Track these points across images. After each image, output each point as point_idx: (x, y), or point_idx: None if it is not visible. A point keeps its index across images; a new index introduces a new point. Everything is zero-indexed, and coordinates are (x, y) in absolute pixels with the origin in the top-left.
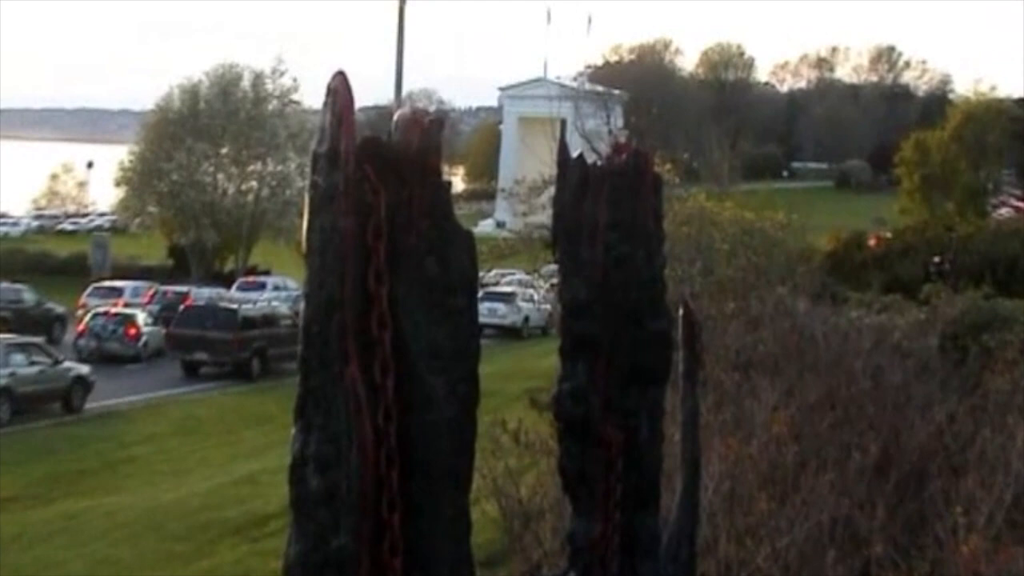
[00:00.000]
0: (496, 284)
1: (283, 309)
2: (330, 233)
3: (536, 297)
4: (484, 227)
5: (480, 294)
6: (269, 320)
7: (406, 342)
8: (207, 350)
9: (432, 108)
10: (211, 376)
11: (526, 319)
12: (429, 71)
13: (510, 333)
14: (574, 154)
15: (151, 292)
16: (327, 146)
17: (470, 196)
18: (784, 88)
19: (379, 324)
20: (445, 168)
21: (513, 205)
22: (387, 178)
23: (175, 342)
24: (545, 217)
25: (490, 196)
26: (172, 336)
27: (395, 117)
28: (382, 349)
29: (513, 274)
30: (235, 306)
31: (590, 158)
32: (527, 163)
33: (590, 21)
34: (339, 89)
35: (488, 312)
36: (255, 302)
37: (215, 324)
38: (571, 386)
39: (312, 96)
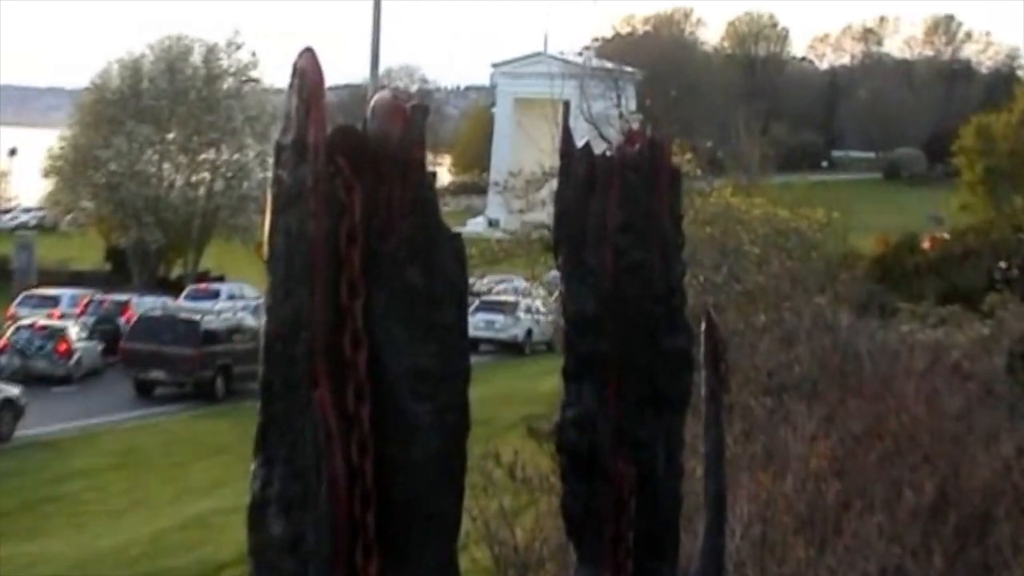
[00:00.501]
0: (489, 292)
1: (250, 321)
2: (296, 237)
3: (540, 307)
4: (474, 226)
5: (475, 304)
6: (235, 333)
7: (385, 363)
8: (164, 367)
9: (414, 88)
10: (168, 397)
11: (529, 332)
12: (410, 44)
13: (510, 349)
14: (579, 142)
15: (85, 301)
16: (293, 136)
17: (458, 190)
18: (824, 65)
19: (353, 342)
20: (429, 158)
21: (508, 201)
22: (363, 173)
23: (127, 358)
24: (545, 215)
25: (481, 190)
26: (124, 352)
27: (372, 102)
28: (356, 371)
29: (510, 281)
30: (196, 317)
31: (598, 147)
32: (524, 152)
33: None
34: (307, 69)
35: (484, 325)
36: (219, 313)
37: (174, 338)
38: (576, 413)
39: (274, 73)
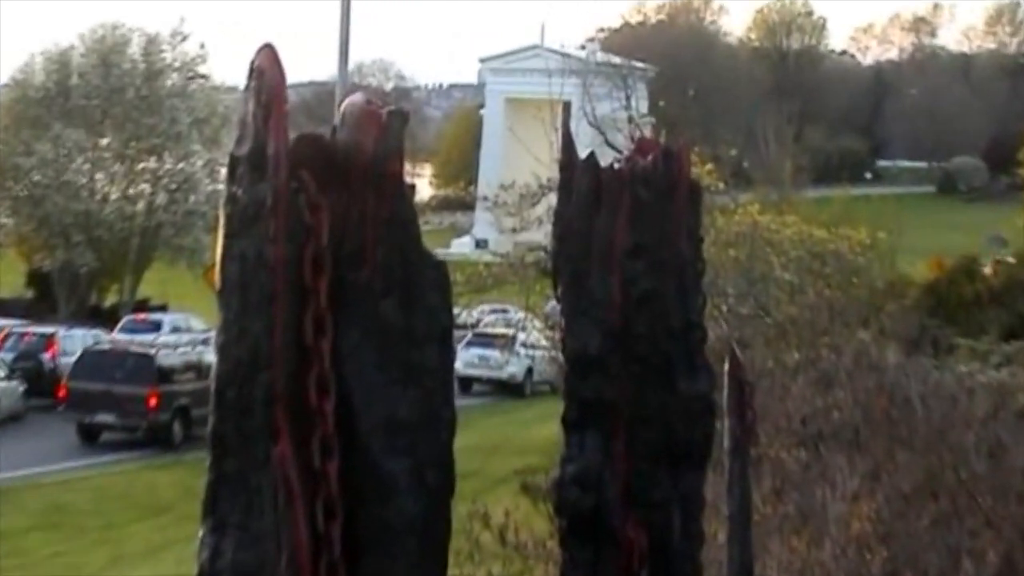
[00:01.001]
0: (477, 325)
1: (211, 356)
2: (253, 264)
3: (543, 340)
4: (459, 248)
5: (466, 337)
6: (195, 370)
7: (356, 412)
8: (114, 410)
9: (389, 86)
10: (116, 444)
11: (529, 371)
12: (385, 37)
13: (508, 389)
14: (582, 151)
15: (3, 335)
16: (249, 146)
17: (440, 206)
18: (868, 59)
19: (319, 388)
20: (407, 170)
21: (498, 218)
22: (331, 190)
23: (71, 399)
24: (542, 236)
25: (467, 206)
26: (67, 392)
27: (342, 106)
28: (323, 422)
29: (505, 311)
30: (151, 351)
31: (604, 157)
32: (517, 161)
33: None
34: (266, 68)
35: (479, 361)
36: (176, 346)
37: (125, 375)
38: (578, 467)
39: (226, 69)
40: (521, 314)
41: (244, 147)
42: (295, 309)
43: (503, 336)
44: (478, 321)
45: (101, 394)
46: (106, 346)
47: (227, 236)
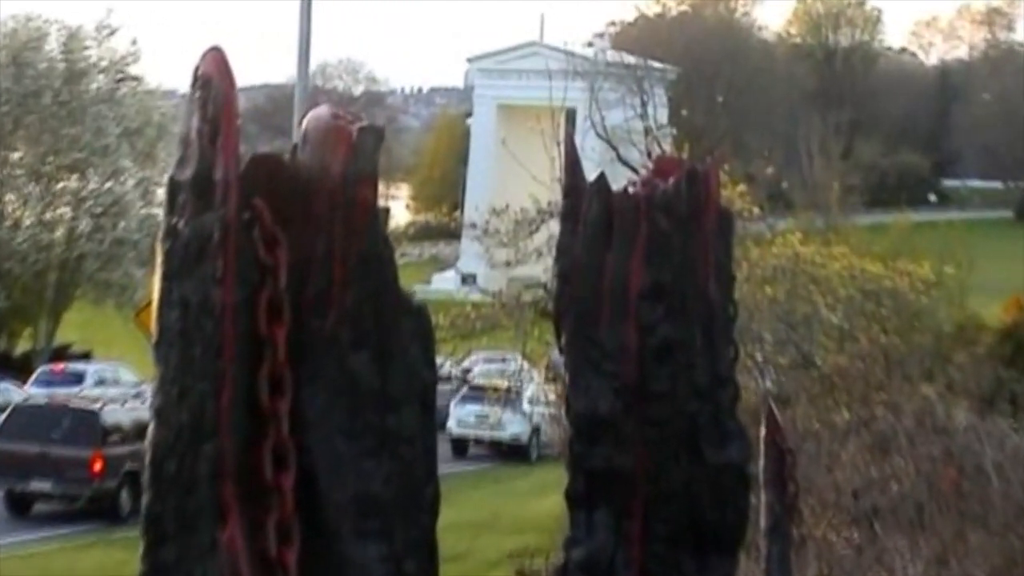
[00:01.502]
0: (465, 377)
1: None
2: (197, 311)
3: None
4: (442, 284)
5: (462, 391)
6: (146, 430)
7: (320, 489)
8: (51, 476)
9: (358, 90)
10: (51, 517)
11: (536, 431)
12: (354, 32)
13: (510, 453)
14: (590, 172)
15: None
16: (194, 169)
17: (419, 234)
18: (931, 59)
19: (276, 460)
20: (380, 192)
21: (489, 250)
22: (291, 222)
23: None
24: (542, 271)
25: (451, 234)
26: None
27: (305, 122)
28: (281, 501)
29: (503, 360)
30: (94, 407)
31: (616, 178)
32: (511, 181)
33: None
34: (213, 76)
35: (476, 420)
36: (123, 401)
37: (64, 435)
38: (585, 552)
39: (162, 69)
40: (523, 364)
41: (187, 170)
42: (247, 365)
43: (505, 390)
44: (466, 372)
45: (35, 457)
46: (41, 401)
47: (166, 277)
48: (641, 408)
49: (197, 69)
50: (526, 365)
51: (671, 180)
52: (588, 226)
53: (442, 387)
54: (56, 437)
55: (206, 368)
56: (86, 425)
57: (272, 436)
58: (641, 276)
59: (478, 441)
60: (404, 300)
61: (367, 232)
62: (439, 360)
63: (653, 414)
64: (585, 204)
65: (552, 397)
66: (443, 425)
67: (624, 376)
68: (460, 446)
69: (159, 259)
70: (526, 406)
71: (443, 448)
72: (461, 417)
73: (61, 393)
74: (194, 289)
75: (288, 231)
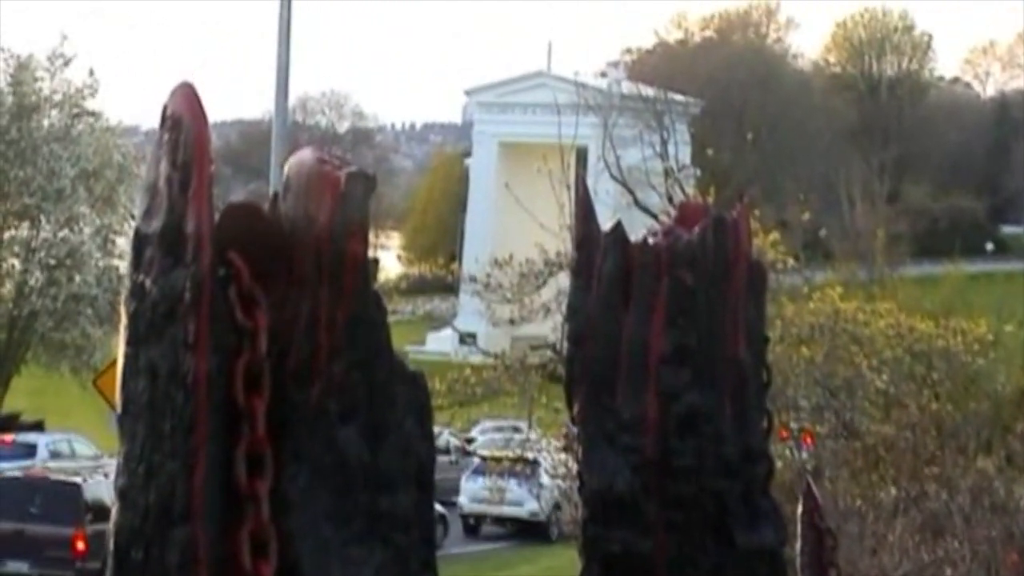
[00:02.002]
0: (467, 447)
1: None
2: (166, 380)
3: (573, 466)
4: (438, 344)
5: (474, 464)
6: None
7: None
8: (29, 556)
9: (344, 126)
10: None
11: (556, 507)
12: (339, 62)
13: (529, 531)
14: (604, 218)
15: None
16: (162, 221)
17: (412, 288)
18: (988, 90)
19: (255, 548)
20: (370, 242)
21: (491, 306)
22: (272, 280)
23: None
24: (550, 329)
25: (448, 288)
26: None
27: (287, 167)
28: None
29: (516, 429)
30: (76, 479)
31: (634, 226)
32: (515, 229)
33: None
34: (184, 115)
35: (489, 495)
36: (107, 472)
37: (44, 511)
38: None
39: (124, 105)
40: (533, 432)
41: (154, 221)
42: (223, 441)
43: (524, 462)
44: (469, 441)
45: (11, 536)
46: (17, 473)
47: (131, 341)
48: (663, 486)
49: (165, 108)
50: (536, 433)
51: (695, 229)
52: (603, 281)
53: (441, 459)
54: (34, 513)
55: (176, 444)
56: (67, 500)
57: (250, 521)
58: (663, 338)
59: (492, 519)
60: (398, 367)
61: (357, 292)
62: (437, 428)
63: (676, 493)
64: (599, 257)
65: (572, 469)
66: (453, 502)
67: (644, 450)
68: (472, 524)
69: (123, 321)
70: (544, 479)
71: (455, 527)
72: (473, 492)
73: (6, 468)
74: (163, 355)
75: (268, 290)
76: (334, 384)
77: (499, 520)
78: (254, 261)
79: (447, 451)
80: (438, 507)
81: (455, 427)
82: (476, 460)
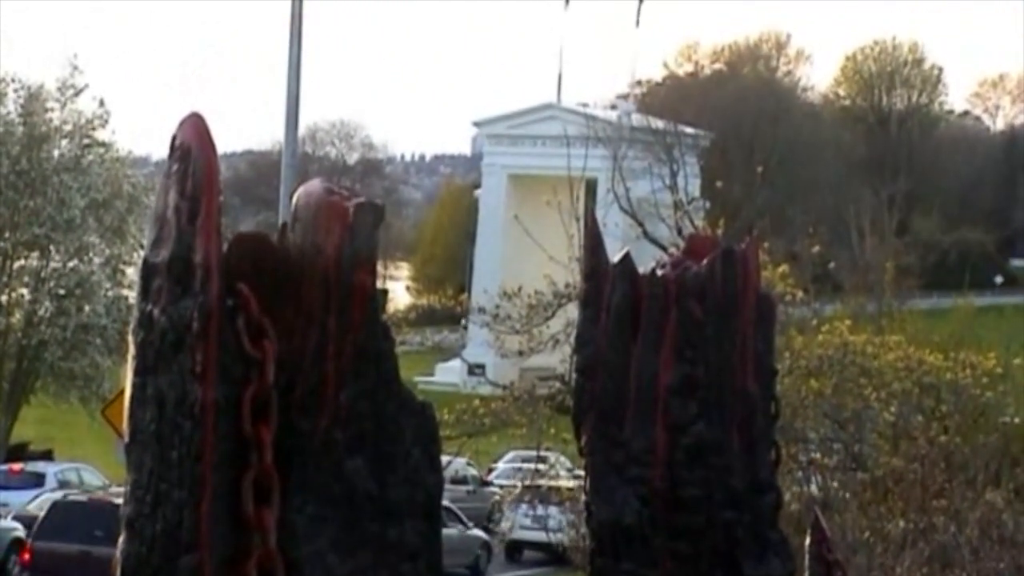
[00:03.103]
0: (477, 480)
1: None
2: (173, 409)
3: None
4: (446, 375)
5: (517, 490)
6: None
7: None
8: None
9: (353, 157)
10: None
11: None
12: (349, 92)
13: (571, 557)
14: (613, 250)
15: None
16: (170, 252)
17: (421, 319)
18: (998, 123)
19: None
20: (379, 273)
21: (500, 337)
22: (279, 310)
23: (37, 564)
24: (559, 360)
25: (457, 318)
26: (34, 555)
27: (295, 198)
28: None
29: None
30: None
31: (643, 258)
32: (524, 260)
33: None
34: (193, 146)
35: (532, 522)
36: None
37: (108, 533)
38: None
39: (135, 135)
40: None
41: (163, 251)
42: (230, 470)
43: (567, 490)
44: (489, 471)
45: (77, 558)
46: (81, 497)
47: (139, 371)
48: (671, 518)
49: (175, 139)
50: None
51: (704, 261)
52: (612, 313)
53: (458, 488)
54: (99, 536)
55: (184, 473)
56: None
57: (257, 550)
58: (671, 370)
59: (535, 545)
60: (406, 398)
61: (365, 322)
62: (463, 460)
63: (684, 524)
64: (608, 288)
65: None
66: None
67: (652, 481)
68: (514, 550)
69: (131, 351)
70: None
71: (497, 552)
72: (516, 519)
73: (16, 497)
74: (171, 385)
75: (276, 320)
76: (342, 414)
77: (540, 546)
78: (262, 291)
79: (465, 481)
80: (482, 534)
81: (473, 458)
82: (519, 487)
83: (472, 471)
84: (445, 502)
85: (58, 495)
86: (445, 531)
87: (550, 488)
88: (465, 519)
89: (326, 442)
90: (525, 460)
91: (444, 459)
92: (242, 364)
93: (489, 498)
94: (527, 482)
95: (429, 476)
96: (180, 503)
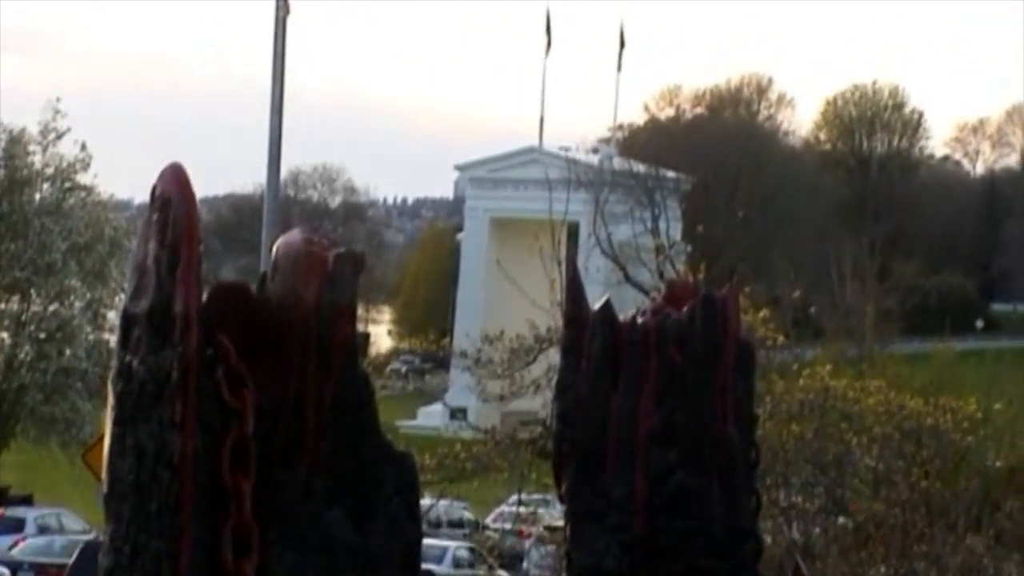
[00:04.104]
0: (473, 523)
1: None
2: (153, 460)
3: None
4: (428, 419)
5: (538, 530)
6: None
7: None
8: None
9: (336, 201)
10: None
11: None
12: (331, 136)
13: None
14: (594, 295)
15: None
16: (150, 302)
17: (403, 363)
18: (978, 168)
19: None
20: (360, 315)
21: (482, 381)
22: (259, 361)
23: None
24: (540, 405)
25: (439, 362)
26: None
27: (275, 248)
28: None
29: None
30: None
31: (624, 304)
32: (506, 304)
33: (623, 42)
34: (173, 196)
35: (553, 562)
36: None
37: None
38: None
39: (116, 179)
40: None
41: (142, 301)
42: (209, 520)
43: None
44: (481, 526)
45: None
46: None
47: (118, 421)
48: (652, 565)
49: (155, 188)
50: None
51: (685, 308)
52: (592, 360)
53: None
54: None
55: (163, 524)
56: None
57: None
58: (651, 417)
59: None
60: (385, 448)
61: (344, 372)
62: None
63: (665, 572)
64: (589, 335)
65: None
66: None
67: (632, 528)
68: None
69: (110, 400)
70: None
71: None
72: (537, 559)
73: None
74: (150, 435)
75: (256, 370)
76: (321, 464)
77: None
78: (241, 341)
79: (461, 525)
80: (504, 574)
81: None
82: (540, 528)
83: (468, 515)
84: (468, 545)
85: (89, 536)
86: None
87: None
88: (492, 561)
89: (305, 492)
90: (525, 504)
91: (427, 502)
92: (221, 414)
93: (487, 541)
94: (527, 526)
95: (408, 526)
96: (159, 554)
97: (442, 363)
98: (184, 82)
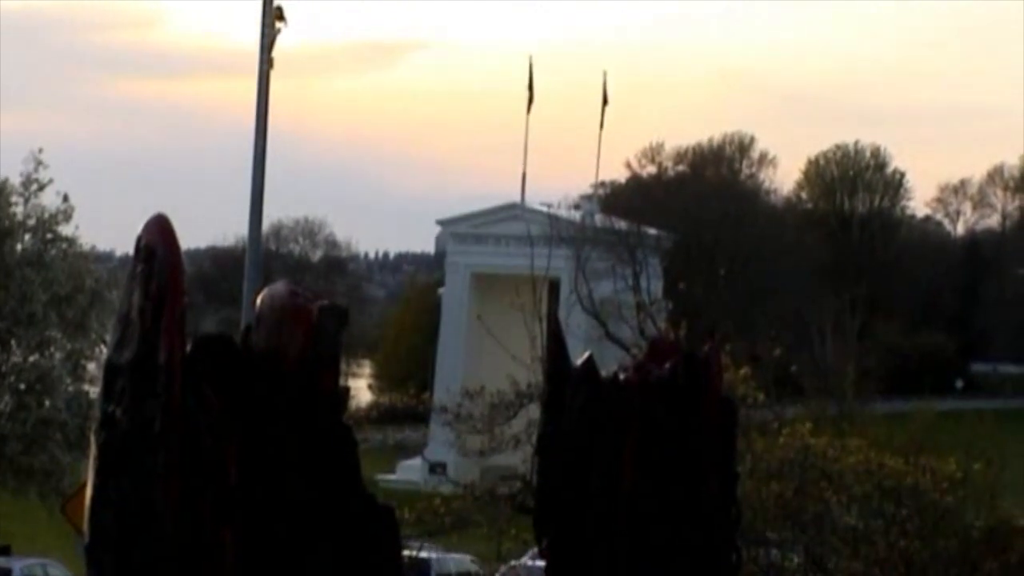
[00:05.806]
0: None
1: None
2: (136, 511)
3: None
4: (407, 473)
5: None
6: None
7: None
8: None
9: (317, 255)
10: None
11: None
12: (313, 190)
13: None
14: (575, 351)
15: None
16: (134, 352)
17: (383, 417)
18: (959, 229)
19: None
20: (341, 371)
21: (461, 436)
22: (243, 412)
23: None
24: (520, 460)
25: (418, 417)
26: None
27: (259, 300)
28: None
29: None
30: None
31: (606, 362)
32: (487, 360)
33: (606, 99)
34: (157, 248)
35: None
36: None
37: None
38: None
39: (98, 230)
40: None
41: (126, 352)
42: (192, 572)
43: None
44: None
45: None
46: None
47: (101, 472)
48: None
49: (140, 239)
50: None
51: (667, 365)
52: (573, 417)
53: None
54: None
55: (146, 575)
56: None
57: None
58: (633, 473)
59: None
60: (367, 500)
61: (328, 423)
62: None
63: None
64: (570, 391)
65: None
66: None
67: None
68: None
69: (93, 451)
70: None
71: None
72: None
73: None
74: (133, 486)
75: (239, 422)
76: (304, 515)
77: None
78: (225, 393)
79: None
80: None
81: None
82: None
83: (474, 567)
84: None
85: None
86: None
87: None
88: None
89: (289, 543)
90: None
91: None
92: (206, 464)
93: None
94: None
95: (391, 571)
96: None
97: (422, 417)
98: (167, 134)
